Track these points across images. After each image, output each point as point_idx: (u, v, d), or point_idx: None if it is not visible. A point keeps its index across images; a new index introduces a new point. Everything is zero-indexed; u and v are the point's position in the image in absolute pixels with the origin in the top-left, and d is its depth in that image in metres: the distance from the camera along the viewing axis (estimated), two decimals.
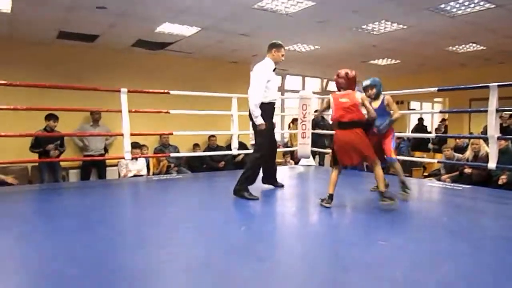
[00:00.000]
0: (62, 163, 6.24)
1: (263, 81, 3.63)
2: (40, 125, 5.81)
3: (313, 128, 6.37)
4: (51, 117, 5.78)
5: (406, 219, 3.05)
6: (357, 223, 2.96)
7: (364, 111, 3.31)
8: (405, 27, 6.14)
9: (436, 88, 4.69)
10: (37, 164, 6.20)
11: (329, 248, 2.29)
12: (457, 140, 6.95)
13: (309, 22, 5.93)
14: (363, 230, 2.73)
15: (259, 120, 3.62)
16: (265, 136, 3.73)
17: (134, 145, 5.69)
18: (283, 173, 5.26)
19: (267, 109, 3.71)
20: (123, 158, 4.72)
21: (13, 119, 5.91)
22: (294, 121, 8.64)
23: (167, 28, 6.22)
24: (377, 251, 2.23)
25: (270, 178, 4.17)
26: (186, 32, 6.43)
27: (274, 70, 3.77)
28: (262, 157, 3.75)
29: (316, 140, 6.57)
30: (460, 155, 5.85)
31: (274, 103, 3.86)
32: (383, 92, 3.73)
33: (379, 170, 3.31)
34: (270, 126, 3.82)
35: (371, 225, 2.83)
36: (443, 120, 11.43)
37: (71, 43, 6.95)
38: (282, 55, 3.76)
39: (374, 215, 3.11)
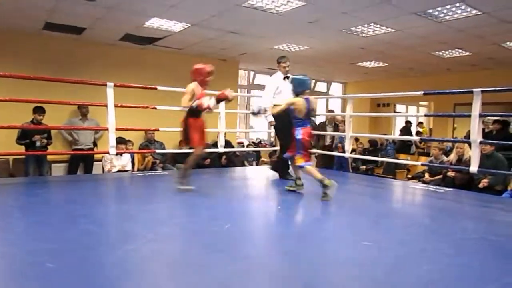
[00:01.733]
0: (47, 157, 6.15)
1: (270, 90, 4.72)
2: (25, 118, 5.71)
3: None
4: (37, 109, 5.71)
5: (389, 220, 3.08)
6: (341, 223, 2.98)
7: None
8: (393, 30, 6.20)
9: (422, 92, 4.75)
10: (21, 157, 6.10)
11: (311, 247, 2.30)
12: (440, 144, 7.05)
13: (300, 22, 5.94)
14: (347, 230, 2.75)
15: (269, 118, 4.66)
16: (279, 132, 4.76)
17: (119, 140, 5.61)
18: (267, 172, 5.26)
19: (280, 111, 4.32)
20: (108, 153, 4.66)
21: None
22: None
23: (156, 23, 6.17)
24: (360, 251, 2.25)
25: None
26: (175, 27, 6.38)
27: (285, 79, 4.63)
28: (281, 148, 4.76)
29: None
30: (445, 158, 5.95)
31: None
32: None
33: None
34: (283, 125, 4.33)
35: (355, 226, 2.85)
36: (420, 123, 11.74)
37: (58, 35, 6.84)
38: (284, 67, 4.67)
39: (358, 216, 3.14)
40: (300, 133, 3.69)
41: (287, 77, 4.60)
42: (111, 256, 2.04)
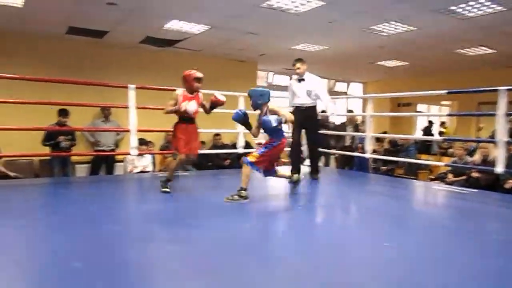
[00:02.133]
0: (71, 158, 6.31)
1: (289, 92, 4.96)
2: (50, 120, 5.87)
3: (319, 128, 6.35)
4: (62, 112, 5.87)
5: (411, 222, 3.03)
6: (361, 224, 2.94)
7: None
8: (414, 28, 6.10)
9: (446, 91, 4.65)
10: (46, 158, 6.28)
11: (330, 248, 2.28)
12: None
13: (318, 22, 5.91)
14: (367, 231, 2.72)
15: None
16: (293, 133, 4.87)
17: (141, 142, 5.70)
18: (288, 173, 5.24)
19: (294, 112, 4.47)
20: (129, 154, 4.74)
21: (24, 113, 5.94)
22: None
23: (175, 25, 6.24)
24: (380, 252, 2.22)
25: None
26: (194, 29, 6.44)
27: (300, 81, 4.74)
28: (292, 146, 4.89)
29: (322, 141, 6.55)
30: (469, 158, 5.81)
31: (298, 107, 4.77)
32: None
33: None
34: (296, 126, 4.63)
35: (375, 227, 2.82)
36: (443, 123, 11.47)
37: (81, 38, 6.99)
38: (295, 69, 4.73)
39: (378, 217, 3.10)
40: (277, 145, 3.46)
41: (303, 79, 4.71)
42: (135, 256, 2.07)
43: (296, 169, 4.78)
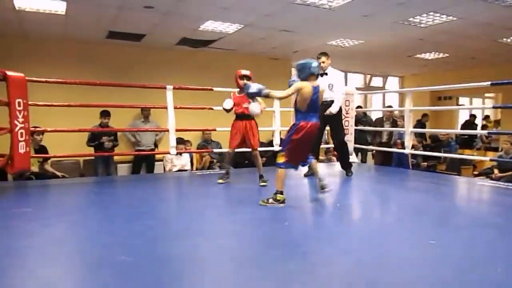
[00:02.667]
0: (114, 158, 6.56)
1: None
2: (93, 121, 6.13)
3: (355, 124, 6.25)
4: (103, 113, 6.12)
5: (456, 219, 2.93)
6: (403, 222, 2.88)
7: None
8: (455, 18, 5.86)
9: (489, 82, 4.44)
10: (91, 158, 6.57)
11: (373, 246, 2.25)
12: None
13: (353, 16, 5.81)
14: (409, 229, 2.66)
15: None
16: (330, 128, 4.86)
17: (179, 141, 5.84)
18: (327, 171, 5.21)
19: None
20: (169, 153, 4.87)
21: (69, 116, 6.23)
22: None
23: (210, 26, 6.32)
24: (425, 250, 2.17)
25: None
26: (228, 29, 6.51)
27: (323, 75, 4.52)
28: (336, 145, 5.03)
29: (358, 137, 6.45)
30: None
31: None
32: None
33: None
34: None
35: (418, 225, 2.75)
36: (487, 116, 10.92)
37: (120, 42, 7.24)
38: (320, 62, 4.50)
39: (421, 215, 3.02)
40: (294, 130, 3.15)
41: (325, 73, 4.53)
42: (176, 250, 2.14)
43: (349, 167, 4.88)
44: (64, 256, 2.09)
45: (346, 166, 4.86)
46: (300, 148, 3.17)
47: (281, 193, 3.16)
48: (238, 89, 4.17)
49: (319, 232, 2.67)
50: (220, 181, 4.14)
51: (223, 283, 1.76)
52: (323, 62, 4.47)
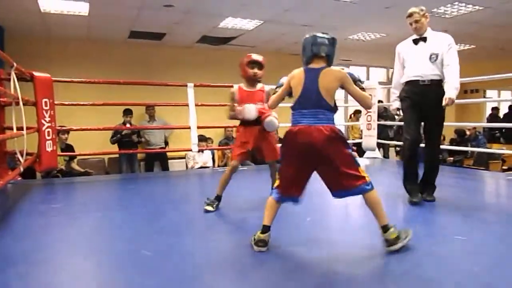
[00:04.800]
0: (137, 156, 6.70)
1: None
2: (116, 119, 6.26)
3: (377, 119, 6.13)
4: (126, 112, 6.24)
5: (484, 215, 2.84)
6: (430, 217, 2.81)
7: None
8: (481, 8, 5.68)
9: None
10: (115, 156, 6.72)
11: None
12: None
13: (375, 9, 5.70)
14: (437, 224, 2.59)
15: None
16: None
17: (200, 138, 5.88)
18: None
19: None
20: (190, 150, 4.91)
21: (92, 114, 6.37)
22: (356, 113, 8.35)
23: (230, 23, 6.33)
24: (453, 245, 2.11)
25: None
26: (248, 26, 6.50)
27: (418, 42, 3.15)
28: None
29: (380, 132, 6.34)
30: None
31: None
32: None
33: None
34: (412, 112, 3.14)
35: (445, 220, 2.68)
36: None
37: (141, 42, 7.34)
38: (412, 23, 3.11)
39: (448, 210, 2.94)
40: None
41: (423, 39, 3.07)
42: (199, 246, 2.15)
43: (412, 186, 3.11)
44: (91, 249, 2.14)
45: (431, 186, 3.16)
46: (288, 170, 2.06)
47: (265, 228, 2.04)
48: (246, 81, 3.08)
49: (349, 229, 2.63)
50: (209, 208, 2.83)
51: (245, 279, 1.76)
52: (416, 22, 3.03)
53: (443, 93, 2.94)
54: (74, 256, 2.02)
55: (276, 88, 2.35)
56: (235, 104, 2.96)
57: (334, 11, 5.78)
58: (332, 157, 1.95)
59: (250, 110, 2.82)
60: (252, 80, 3.02)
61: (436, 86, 2.99)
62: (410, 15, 3.05)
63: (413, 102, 3.04)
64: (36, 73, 3.83)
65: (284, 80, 2.27)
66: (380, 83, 7.89)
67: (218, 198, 2.92)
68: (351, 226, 2.66)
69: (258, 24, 6.40)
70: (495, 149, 7.46)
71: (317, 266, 1.85)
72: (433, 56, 2.98)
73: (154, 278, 1.70)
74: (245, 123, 2.96)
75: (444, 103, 2.88)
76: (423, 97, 2.99)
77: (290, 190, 2.06)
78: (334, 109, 2.06)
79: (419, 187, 3.11)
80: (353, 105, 9.42)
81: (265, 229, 2.04)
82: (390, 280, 1.71)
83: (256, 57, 3.09)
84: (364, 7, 5.59)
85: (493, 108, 10.45)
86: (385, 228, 2.00)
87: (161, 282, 1.68)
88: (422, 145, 3.19)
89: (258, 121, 2.87)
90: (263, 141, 2.97)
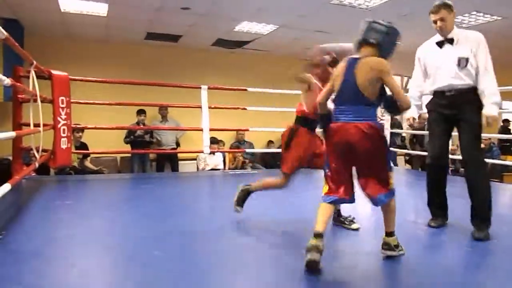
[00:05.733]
0: (149, 156, 6.75)
1: None
2: (130, 119, 6.34)
3: None
4: (140, 112, 6.33)
5: (495, 227, 2.80)
6: (442, 228, 2.78)
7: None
8: (499, 18, 5.62)
9: None
10: (127, 155, 6.79)
11: (414, 251, 2.19)
12: None
13: (390, 17, 5.66)
14: (446, 235, 2.57)
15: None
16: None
17: (212, 140, 5.92)
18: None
19: None
20: (202, 152, 4.95)
21: (106, 113, 6.45)
22: None
23: (246, 27, 6.37)
24: (461, 256, 2.10)
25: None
26: (263, 30, 6.53)
27: (443, 45, 2.79)
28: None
29: (390, 140, 6.28)
30: None
31: None
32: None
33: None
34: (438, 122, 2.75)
35: (454, 230, 2.65)
36: None
37: (157, 43, 7.43)
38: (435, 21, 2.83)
39: (458, 221, 2.90)
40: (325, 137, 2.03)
41: (450, 40, 2.69)
42: (208, 247, 2.17)
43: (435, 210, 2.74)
44: (102, 248, 2.16)
45: (485, 218, 2.45)
46: (334, 170, 1.95)
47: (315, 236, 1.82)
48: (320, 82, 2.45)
49: (349, 235, 2.62)
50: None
51: (255, 280, 1.77)
52: (442, 20, 2.66)
53: (477, 100, 2.50)
54: (85, 254, 2.05)
55: None
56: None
57: (349, 18, 5.76)
58: (367, 156, 1.86)
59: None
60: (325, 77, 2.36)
61: (466, 96, 2.53)
62: (435, 11, 2.68)
63: (439, 116, 2.63)
64: (54, 71, 3.91)
65: None
66: None
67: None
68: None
69: (273, 29, 6.43)
70: (510, 161, 7.34)
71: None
72: (463, 61, 2.54)
73: (165, 279, 1.72)
74: (309, 125, 2.47)
75: (484, 121, 2.46)
76: (452, 110, 2.54)
77: (339, 190, 1.92)
78: (377, 102, 1.90)
79: (443, 211, 2.71)
80: None
81: (318, 235, 1.82)
82: None
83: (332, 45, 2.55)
84: (380, 15, 5.53)
85: (503, 121, 10.31)
86: (390, 234, 1.98)
87: (171, 282, 1.70)
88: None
89: (316, 124, 2.45)
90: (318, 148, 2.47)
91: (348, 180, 1.95)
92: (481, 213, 2.45)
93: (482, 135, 2.68)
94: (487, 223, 2.41)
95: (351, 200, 1.96)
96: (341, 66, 1.96)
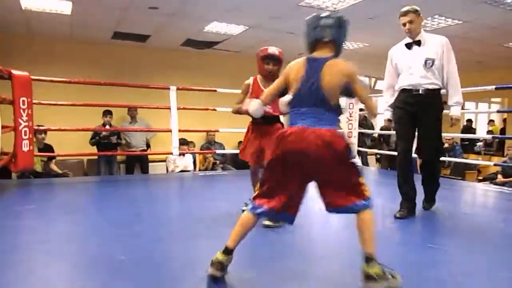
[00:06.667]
0: (117, 158, 6.60)
1: None
2: (96, 121, 6.16)
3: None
4: (106, 112, 6.16)
5: (458, 224, 2.91)
6: (403, 225, 2.86)
7: None
8: (460, 22, 5.85)
9: (494, 86, 4.42)
10: (94, 158, 6.60)
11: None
12: None
13: (358, 19, 5.79)
14: (410, 233, 2.64)
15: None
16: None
17: (182, 142, 5.85)
18: None
19: None
20: (171, 153, 4.88)
21: (72, 115, 6.26)
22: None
23: (215, 27, 6.34)
24: (424, 253, 2.16)
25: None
26: (233, 31, 6.52)
27: (411, 46, 2.98)
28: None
29: (359, 140, 6.43)
30: None
31: None
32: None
33: None
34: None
35: (418, 229, 2.74)
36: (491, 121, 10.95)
37: (125, 43, 7.28)
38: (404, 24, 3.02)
39: (422, 219, 3.00)
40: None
41: (417, 42, 2.92)
42: (175, 250, 2.14)
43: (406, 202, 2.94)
44: (65, 253, 2.09)
45: (431, 196, 3.13)
46: (271, 180, 1.72)
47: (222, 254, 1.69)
48: (263, 77, 2.76)
49: (324, 234, 2.65)
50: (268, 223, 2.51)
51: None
52: (410, 23, 2.85)
53: (439, 102, 2.79)
54: (45, 261, 1.98)
55: None
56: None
57: None
58: (330, 168, 1.62)
59: (256, 105, 2.01)
60: (268, 78, 2.65)
61: (431, 96, 2.77)
62: (404, 14, 2.85)
63: (405, 113, 2.84)
64: (14, 71, 3.76)
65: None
66: None
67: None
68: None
69: (243, 29, 6.42)
70: (471, 159, 7.65)
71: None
72: (429, 62, 2.75)
73: (128, 284, 1.68)
74: (257, 120, 2.66)
75: (449, 124, 2.84)
76: (417, 108, 2.76)
77: (272, 200, 1.67)
78: (338, 110, 1.73)
79: (411, 204, 2.91)
80: None
81: (227, 251, 1.67)
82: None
83: (272, 50, 2.69)
84: (348, 17, 5.66)
85: (467, 120, 10.80)
86: (368, 259, 1.58)
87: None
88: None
89: (268, 121, 2.63)
90: (267, 144, 2.43)
91: (291, 195, 1.68)
92: (430, 196, 3.13)
93: (446, 134, 2.92)
94: (433, 202, 3.15)
95: (286, 216, 1.71)
96: (297, 67, 1.82)
